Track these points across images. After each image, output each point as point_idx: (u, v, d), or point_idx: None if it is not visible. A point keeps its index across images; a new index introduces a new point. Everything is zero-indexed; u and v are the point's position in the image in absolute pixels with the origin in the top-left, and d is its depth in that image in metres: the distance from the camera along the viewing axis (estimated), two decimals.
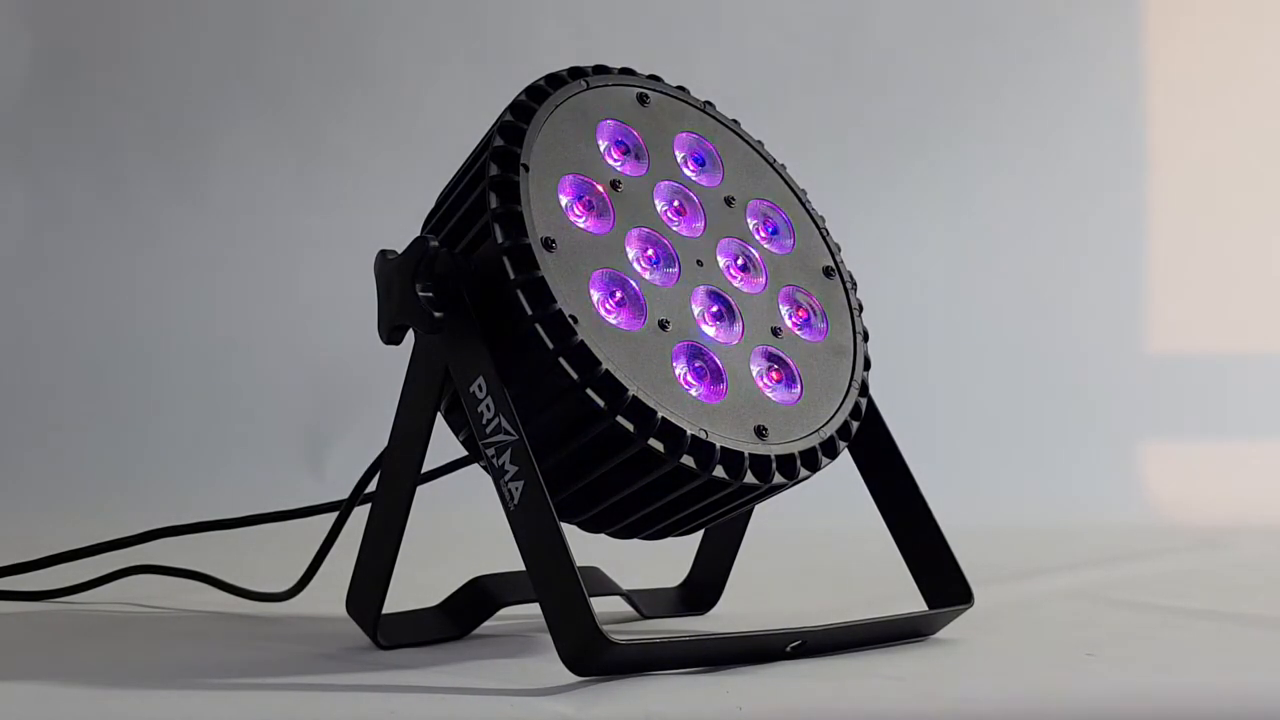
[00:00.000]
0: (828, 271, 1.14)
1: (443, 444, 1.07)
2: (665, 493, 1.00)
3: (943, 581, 1.14)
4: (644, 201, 1.07)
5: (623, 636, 0.93)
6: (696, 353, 1.02)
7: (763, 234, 1.12)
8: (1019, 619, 1.28)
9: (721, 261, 1.08)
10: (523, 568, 0.95)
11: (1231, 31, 2.65)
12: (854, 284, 1.15)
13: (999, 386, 2.47)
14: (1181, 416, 2.46)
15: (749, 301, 1.07)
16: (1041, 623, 1.28)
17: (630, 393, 0.96)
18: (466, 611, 1.15)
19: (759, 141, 1.17)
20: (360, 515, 1.12)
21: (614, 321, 0.99)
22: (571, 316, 0.96)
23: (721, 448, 0.98)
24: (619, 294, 1.01)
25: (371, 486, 1.12)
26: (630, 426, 0.96)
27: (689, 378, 1.01)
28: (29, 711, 0.89)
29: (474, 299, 0.98)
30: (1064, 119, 2.63)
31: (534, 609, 0.96)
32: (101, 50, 2.56)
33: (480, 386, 0.97)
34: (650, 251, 1.04)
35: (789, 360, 1.06)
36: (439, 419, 1.04)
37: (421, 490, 1.06)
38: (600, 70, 1.10)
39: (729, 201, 1.12)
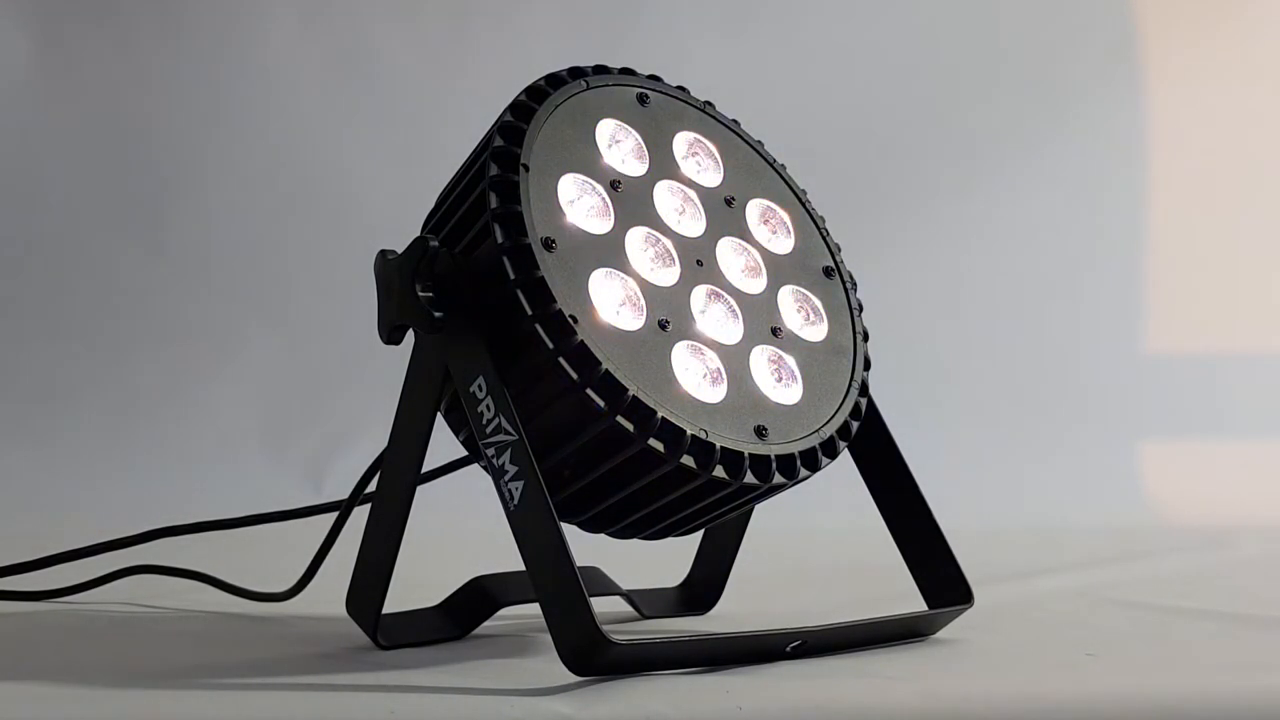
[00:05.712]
0: (828, 271, 1.14)
1: (443, 444, 1.07)
2: (665, 493, 1.00)
3: (943, 581, 1.14)
4: (644, 201, 1.07)
5: (623, 636, 0.93)
6: (696, 353, 1.02)
7: (763, 234, 1.12)
8: (1019, 619, 1.28)
9: (721, 261, 1.08)
10: (523, 568, 0.95)
11: (1233, 30, 2.64)
12: (854, 284, 1.15)
13: (999, 386, 2.47)
14: (1181, 416, 2.46)
15: (749, 301, 1.07)
16: (1041, 623, 1.28)
17: (630, 393, 0.95)
18: (466, 611, 1.15)
19: (759, 141, 1.17)
20: (360, 515, 1.12)
21: (614, 321, 0.99)
22: (571, 316, 0.96)
23: (721, 448, 0.98)
24: (619, 294, 1.01)
25: (371, 486, 1.12)
26: (630, 426, 0.95)
27: (688, 378, 1.01)
28: (29, 711, 0.89)
29: (474, 299, 0.98)
30: (1063, 118, 2.63)
31: (534, 609, 0.96)
32: (101, 50, 2.56)
33: (480, 386, 0.97)
34: (650, 251, 1.04)
35: (789, 360, 1.06)
36: (439, 419, 1.04)
37: (421, 490, 1.06)
38: (600, 70, 1.10)
39: (729, 201, 1.11)
